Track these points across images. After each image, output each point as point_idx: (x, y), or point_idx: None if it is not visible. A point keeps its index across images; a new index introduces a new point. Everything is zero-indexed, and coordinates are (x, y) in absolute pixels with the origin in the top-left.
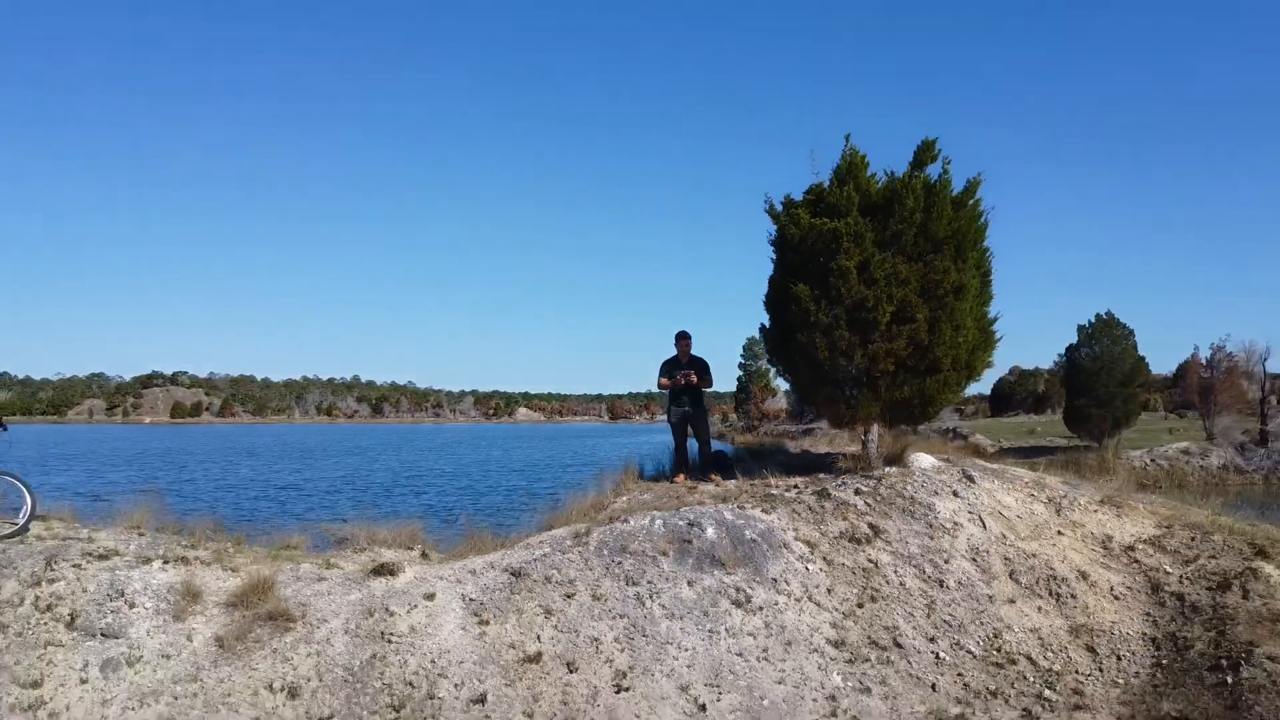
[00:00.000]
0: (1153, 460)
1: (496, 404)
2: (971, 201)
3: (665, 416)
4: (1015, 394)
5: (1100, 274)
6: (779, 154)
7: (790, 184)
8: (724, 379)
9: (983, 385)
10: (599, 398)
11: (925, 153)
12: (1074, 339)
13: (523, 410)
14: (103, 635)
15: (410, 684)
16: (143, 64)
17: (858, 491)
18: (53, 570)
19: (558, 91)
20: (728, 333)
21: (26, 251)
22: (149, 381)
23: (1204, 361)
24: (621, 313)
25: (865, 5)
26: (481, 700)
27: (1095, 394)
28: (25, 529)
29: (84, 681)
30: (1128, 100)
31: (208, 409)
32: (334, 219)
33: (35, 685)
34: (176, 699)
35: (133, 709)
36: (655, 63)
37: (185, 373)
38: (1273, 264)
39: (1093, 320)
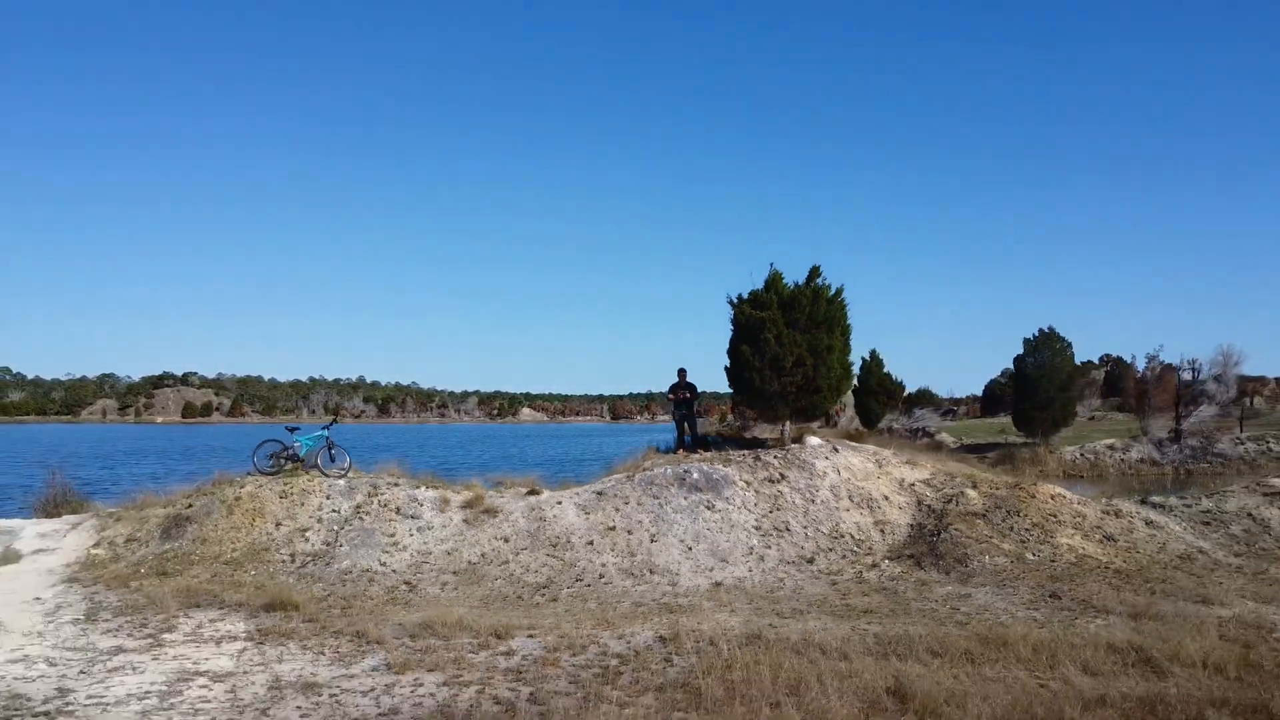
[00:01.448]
0: (1082, 454)
1: (500, 404)
2: (840, 300)
3: (668, 416)
4: (1005, 395)
5: (1099, 277)
6: (779, 158)
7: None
8: (723, 382)
9: (975, 387)
10: (600, 398)
11: (814, 273)
12: (1041, 349)
13: (526, 410)
14: (411, 518)
15: (557, 536)
16: (146, 63)
17: (775, 457)
18: (379, 490)
19: (564, 93)
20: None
21: (32, 252)
22: (160, 382)
23: (1139, 369)
24: (622, 313)
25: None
26: (590, 543)
27: (1038, 398)
28: (346, 474)
29: (411, 535)
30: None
31: (218, 409)
32: (337, 220)
33: (391, 536)
34: (454, 542)
35: (438, 545)
36: (666, 64)
37: (195, 373)
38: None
39: (1036, 334)
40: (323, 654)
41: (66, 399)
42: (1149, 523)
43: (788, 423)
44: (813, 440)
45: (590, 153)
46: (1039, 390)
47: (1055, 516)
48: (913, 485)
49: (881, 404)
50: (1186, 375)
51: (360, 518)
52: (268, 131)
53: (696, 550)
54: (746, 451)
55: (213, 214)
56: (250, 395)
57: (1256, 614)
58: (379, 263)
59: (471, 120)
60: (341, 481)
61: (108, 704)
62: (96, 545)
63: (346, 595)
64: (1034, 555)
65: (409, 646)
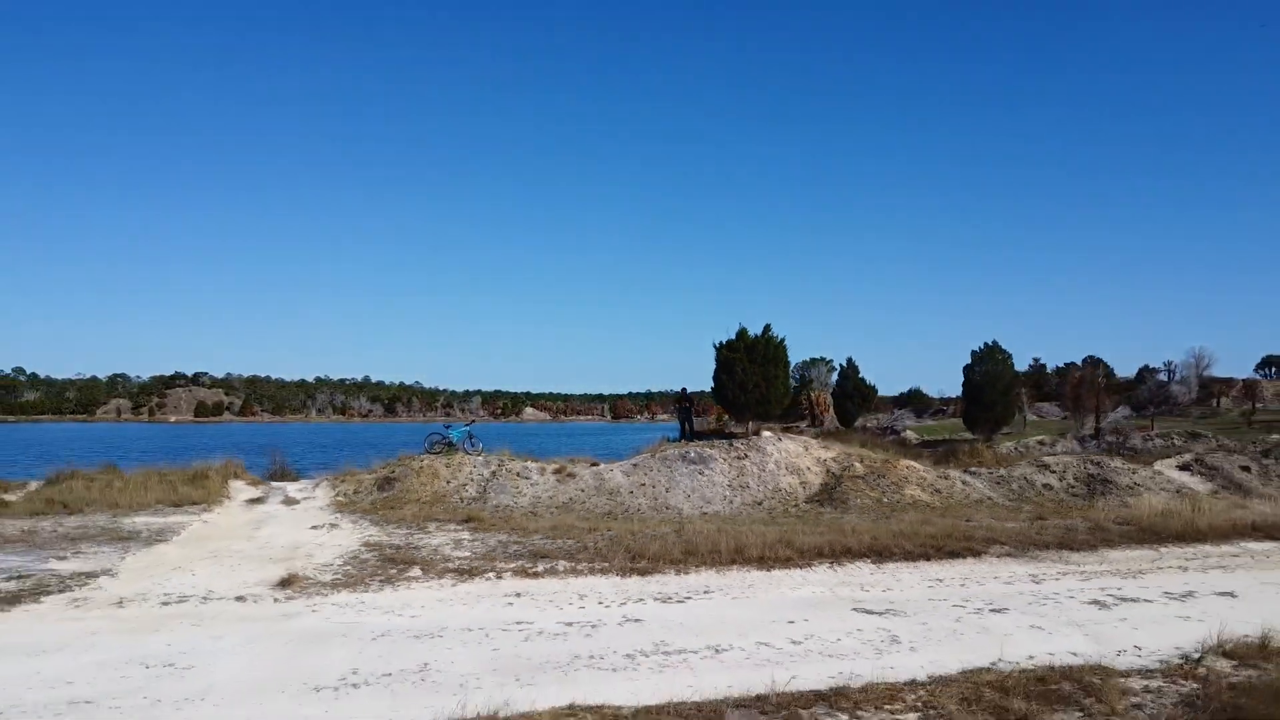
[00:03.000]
0: (1015, 449)
1: (503, 404)
2: (782, 345)
3: (667, 416)
4: None
5: (1092, 283)
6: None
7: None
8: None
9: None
10: (600, 397)
11: (767, 329)
12: (986, 360)
13: (529, 410)
14: (526, 478)
15: (612, 489)
16: (152, 62)
17: (742, 443)
18: (504, 463)
19: (566, 95)
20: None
21: (42, 253)
22: (171, 382)
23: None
24: (622, 314)
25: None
26: (631, 493)
27: (982, 402)
28: (481, 453)
29: (528, 488)
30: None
31: (228, 408)
32: (341, 221)
33: (516, 488)
34: (553, 492)
35: (544, 494)
36: (667, 62)
37: (205, 373)
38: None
39: (982, 347)
40: (510, 535)
41: (80, 399)
42: (964, 482)
43: (750, 423)
44: (766, 433)
45: (592, 153)
46: (984, 395)
47: (906, 479)
48: (825, 460)
49: (858, 405)
50: (1163, 376)
51: (496, 478)
52: (273, 132)
53: (693, 497)
54: (724, 440)
55: (216, 214)
56: (259, 394)
57: (986, 522)
58: (383, 264)
59: (474, 121)
60: (479, 458)
61: (438, 546)
62: (337, 494)
63: (501, 516)
64: (887, 499)
65: (552, 532)
